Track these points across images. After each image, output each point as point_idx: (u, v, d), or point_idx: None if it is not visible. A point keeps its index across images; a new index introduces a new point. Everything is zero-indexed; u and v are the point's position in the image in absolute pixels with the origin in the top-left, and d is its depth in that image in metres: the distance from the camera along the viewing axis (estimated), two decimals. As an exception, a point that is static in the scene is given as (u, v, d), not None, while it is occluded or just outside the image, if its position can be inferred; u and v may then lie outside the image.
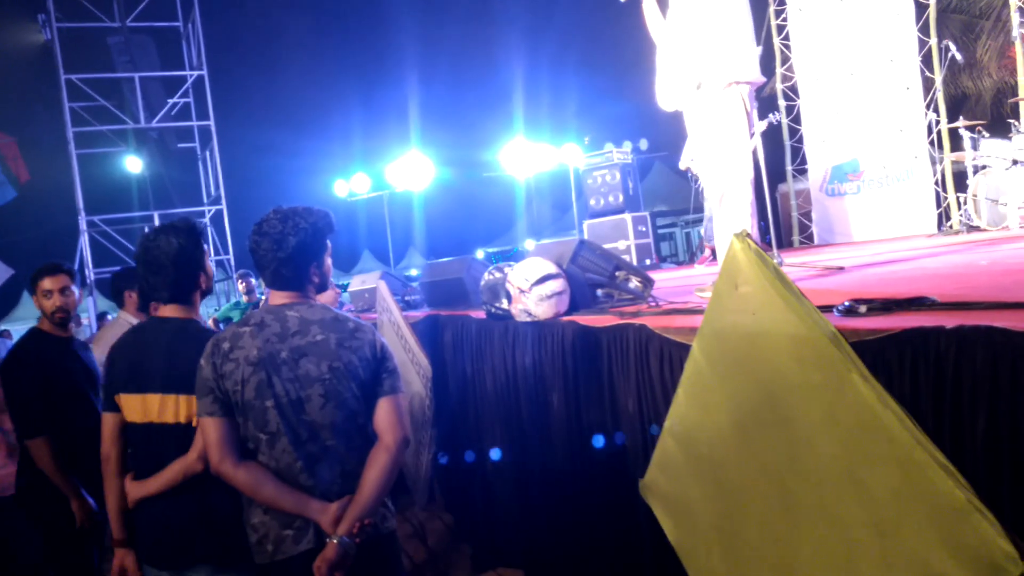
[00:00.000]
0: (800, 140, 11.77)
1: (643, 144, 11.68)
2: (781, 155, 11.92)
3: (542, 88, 19.61)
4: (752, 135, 3.96)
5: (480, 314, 4.36)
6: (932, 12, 9.93)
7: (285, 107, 24.71)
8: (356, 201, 15.52)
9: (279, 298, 2.57)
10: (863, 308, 2.41)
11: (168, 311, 2.77)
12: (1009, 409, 1.67)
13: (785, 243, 11.98)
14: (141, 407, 2.67)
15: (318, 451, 2.44)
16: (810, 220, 11.67)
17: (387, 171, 14.98)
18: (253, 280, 9.02)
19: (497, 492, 4.46)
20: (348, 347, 2.50)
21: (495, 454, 4.32)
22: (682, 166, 5.75)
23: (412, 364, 4.72)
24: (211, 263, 2.92)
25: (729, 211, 3.93)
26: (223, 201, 17.88)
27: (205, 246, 2.84)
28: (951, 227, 9.08)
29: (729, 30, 3.88)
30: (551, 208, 20.21)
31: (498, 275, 3.94)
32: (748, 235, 2.24)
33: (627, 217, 10.33)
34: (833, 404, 1.96)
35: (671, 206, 19.93)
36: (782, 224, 12.43)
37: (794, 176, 12.08)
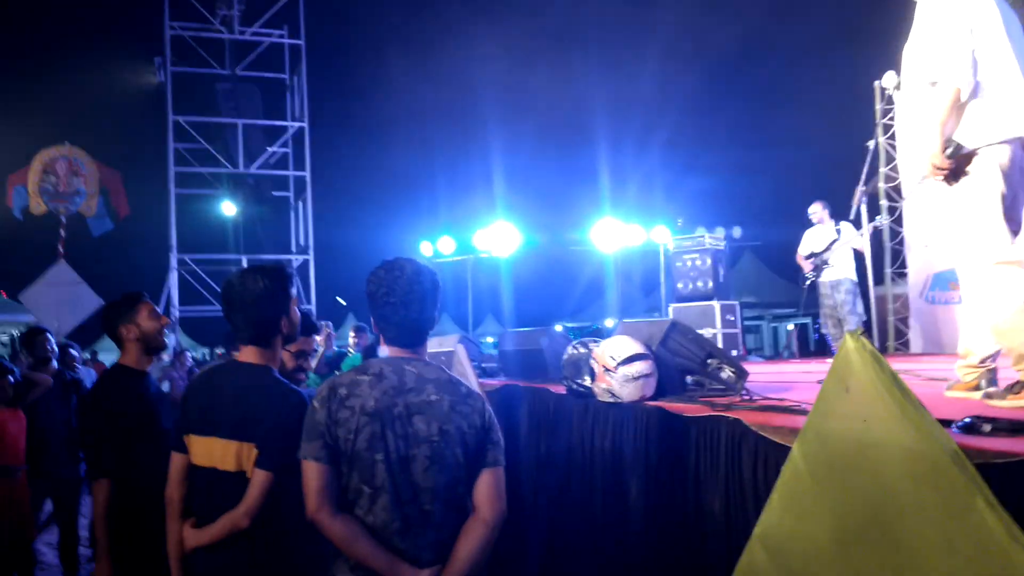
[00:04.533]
0: (901, 243, 11.41)
1: (736, 232, 11.48)
2: (881, 257, 11.56)
3: (633, 165, 19.66)
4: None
5: (560, 389, 4.21)
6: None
7: (378, 166, 25.33)
8: (441, 263, 15.67)
9: (400, 352, 2.50)
10: (987, 427, 2.20)
11: (247, 354, 2.72)
12: None
13: (881, 349, 11.53)
14: (207, 451, 2.60)
15: (416, 514, 2.34)
16: (907, 326, 11.22)
17: (475, 237, 15.08)
18: (332, 331, 9.05)
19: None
20: (460, 412, 2.41)
21: (564, 541, 4.11)
22: None
23: (484, 434, 4.58)
24: (297, 310, 2.85)
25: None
26: (311, 251, 18.23)
27: (292, 291, 2.78)
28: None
29: None
30: (637, 287, 20.03)
31: (583, 350, 3.80)
32: (864, 334, 2.07)
33: (715, 304, 10.10)
34: (951, 530, 1.77)
35: (759, 298, 19.53)
36: (877, 329, 11.99)
37: (893, 280, 11.68)
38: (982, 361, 3.38)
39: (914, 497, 1.89)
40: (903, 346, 11.29)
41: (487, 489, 2.41)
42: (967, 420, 2.26)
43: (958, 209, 3.30)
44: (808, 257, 9.08)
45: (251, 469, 2.49)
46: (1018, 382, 3.02)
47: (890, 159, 11.59)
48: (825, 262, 8.83)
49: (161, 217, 17.82)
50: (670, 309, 10.61)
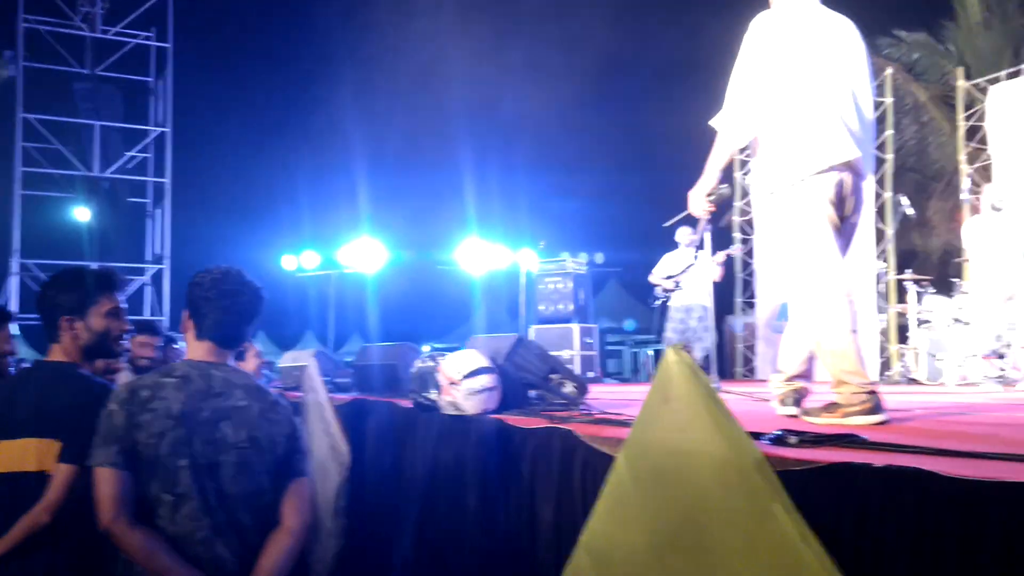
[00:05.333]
0: (751, 274, 11.98)
1: (599, 258, 11.78)
2: (731, 287, 12.12)
3: (498, 187, 19.79)
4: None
5: (408, 403, 4.21)
6: (889, 167, 10.33)
7: (242, 176, 24.67)
8: (304, 278, 15.35)
9: (207, 355, 2.42)
10: (793, 439, 2.34)
11: (53, 353, 2.63)
12: (932, 554, 1.59)
13: (728, 374, 12.05)
14: (6, 455, 2.46)
15: (223, 523, 2.26)
16: (754, 353, 11.78)
17: (339, 253, 14.87)
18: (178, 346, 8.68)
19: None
20: (269, 419, 2.36)
21: (405, 552, 4.10)
22: None
23: (330, 449, 4.52)
24: (109, 319, 2.70)
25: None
26: (166, 261, 17.50)
27: (100, 298, 2.67)
28: (890, 377, 9.19)
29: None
30: (504, 309, 20.19)
31: (430, 363, 3.83)
32: (684, 348, 2.17)
33: (575, 327, 10.33)
34: (753, 534, 1.87)
35: (621, 323, 20.02)
36: (727, 355, 12.54)
37: (743, 309, 12.25)
38: (790, 379, 3.52)
39: (723, 503, 1.98)
40: (750, 372, 11.84)
41: (293, 499, 2.38)
42: (777, 433, 2.39)
43: (790, 239, 3.35)
44: (665, 278, 9.31)
45: (53, 466, 2.38)
46: (834, 403, 3.21)
47: (745, 193, 12.18)
48: (677, 284, 9.08)
49: (3, 219, 16.71)
50: (532, 331, 10.78)
